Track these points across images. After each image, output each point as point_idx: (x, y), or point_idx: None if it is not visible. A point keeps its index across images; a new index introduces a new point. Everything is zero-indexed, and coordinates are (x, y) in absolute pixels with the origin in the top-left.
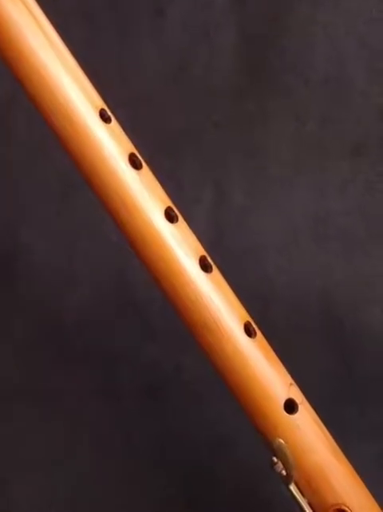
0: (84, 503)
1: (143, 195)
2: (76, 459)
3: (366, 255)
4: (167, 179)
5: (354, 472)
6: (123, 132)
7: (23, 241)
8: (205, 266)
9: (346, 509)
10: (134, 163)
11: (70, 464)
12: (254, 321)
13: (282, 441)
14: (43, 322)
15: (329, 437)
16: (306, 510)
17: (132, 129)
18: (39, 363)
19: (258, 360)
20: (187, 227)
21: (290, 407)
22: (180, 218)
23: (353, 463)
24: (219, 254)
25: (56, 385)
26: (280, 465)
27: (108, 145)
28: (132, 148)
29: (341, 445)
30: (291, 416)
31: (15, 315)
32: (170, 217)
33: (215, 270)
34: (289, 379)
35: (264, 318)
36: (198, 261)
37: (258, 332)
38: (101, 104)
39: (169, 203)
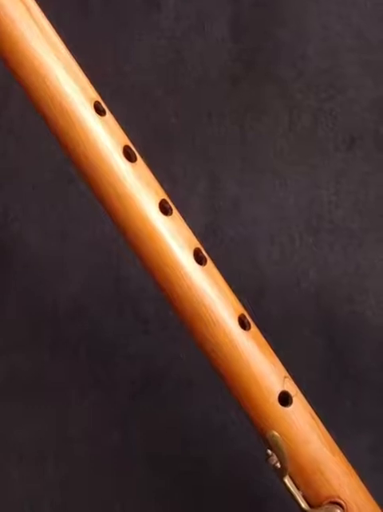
0: (77, 495)
1: (137, 188)
2: (69, 451)
3: (360, 247)
4: (161, 172)
5: (348, 464)
6: (117, 125)
7: (16, 232)
8: (199, 258)
9: (340, 501)
10: (128, 155)
11: (63, 455)
12: (248, 313)
13: (276, 433)
14: (36, 314)
15: (323, 429)
16: (301, 502)
17: (126, 122)
18: (31, 354)
19: (252, 352)
20: (182, 219)
21: (285, 399)
22: (175, 210)
23: (347, 455)
24: (212, 246)
25: (48, 376)
26: (274, 457)
27: (103, 137)
28: (126, 141)
29: (334, 437)
30: (285, 409)
31: (7, 306)
32: (164, 209)
33: (209, 263)
34: (283, 371)
35: (258, 310)
36: (192, 254)
37: (253, 325)
38: (96, 96)
39: (163, 196)
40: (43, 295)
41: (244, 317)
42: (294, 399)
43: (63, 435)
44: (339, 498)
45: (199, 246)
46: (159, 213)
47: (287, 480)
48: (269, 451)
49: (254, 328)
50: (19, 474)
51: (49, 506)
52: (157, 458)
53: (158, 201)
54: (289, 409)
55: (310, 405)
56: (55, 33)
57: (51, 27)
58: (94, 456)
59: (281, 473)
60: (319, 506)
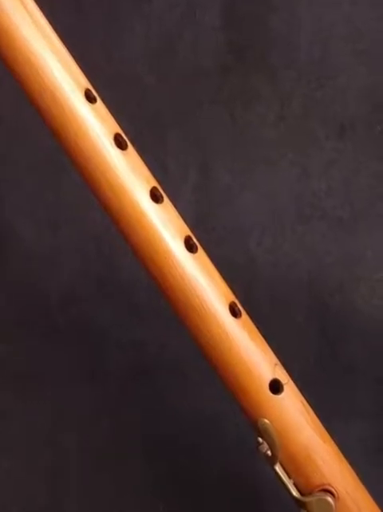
0: (70, 484)
1: (128, 176)
2: (62, 439)
3: (351, 236)
4: (152, 160)
5: (339, 452)
6: (108, 113)
7: (8, 221)
8: (190, 246)
9: (332, 489)
10: (119, 143)
11: (54, 444)
12: (239, 302)
13: (267, 421)
14: (28, 303)
15: (315, 417)
16: (292, 490)
17: (117, 110)
18: (24, 344)
19: (243, 340)
20: (173, 207)
21: (275, 387)
22: (165, 198)
23: (338, 444)
24: (203, 234)
25: (41, 366)
26: (265, 445)
27: (94, 125)
28: (117, 129)
29: (325, 425)
30: (276, 396)
31: (0, 296)
32: (155, 197)
33: (200, 250)
34: (274, 359)
35: (249, 298)
36: (183, 242)
37: (244, 313)
38: (87, 84)
39: (154, 183)
40: (35, 284)
41: (235, 304)
42: (285, 387)
43: (55, 425)
44: (330, 485)
45: (189, 233)
46: (150, 201)
47: (278, 468)
48: (260, 439)
49: (244, 316)
50: (9, 464)
51: (41, 496)
52: (149, 446)
53: (149, 189)
54: (280, 397)
55: (301, 393)
56: (46, 22)
57: (43, 16)
58: (86, 444)
59: (272, 461)
60: (310, 493)
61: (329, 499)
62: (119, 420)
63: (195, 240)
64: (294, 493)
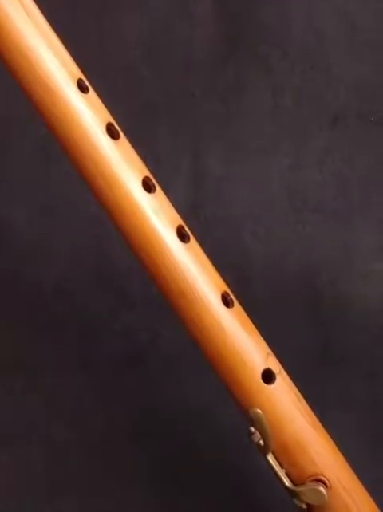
0: (62, 475)
1: (120, 165)
2: (54, 429)
3: (345, 227)
4: (144, 149)
5: (332, 442)
6: (100, 102)
7: (0, 211)
8: (182, 236)
9: (324, 478)
10: (112, 132)
11: (48, 435)
12: (232, 291)
13: (259, 411)
14: (20, 293)
15: (307, 407)
16: (284, 480)
17: (109, 99)
18: (16, 333)
19: (235, 329)
20: (165, 197)
21: (268, 376)
22: (158, 187)
23: (330, 433)
24: (196, 224)
25: (33, 355)
26: (257, 435)
27: (86, 115)
28: (109, 118)
29: (318, 415)
30: (269, 386)
31: None
32: (147, 187)
33: (193, 240)
34: (266, 349)
35: (241, 288)
36: (175, 231)
37: (236, 303)
38: (79, 73)
39: (147, 173)
40: (28, 274)
41: (227, 294)
42: (278, 376)
43: (48, 415)
44: (323, 475)
45: (182, 223)
46: (143, 190)
47: (270, 457)
48: (252, 429)
49: (237, 305)
50: (2, 454)
51: (36, 488)
52: (142, 436)
53: (141, 178)
54: (272, 386)
55: (294, 383)
56: (39, 12)
57: (35, 6)
58: (77, 434)
59: (264, 450)
60: (303, 483)
61: (322, 489)
62: (112, 409)
63: (187, 230)
64: (287, 482)
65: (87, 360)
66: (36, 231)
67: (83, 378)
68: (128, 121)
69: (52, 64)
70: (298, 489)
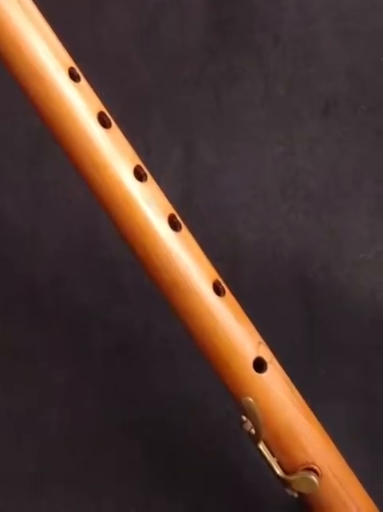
0: (55, 464)
1: (112, 154)
2: (46, 418)
3: (336, 215)
4: (136, 138)
5: (324, 431)
6: (92, 91)
7: None
8: (174, 225)
9: (316, 467)
10: (103, 121)
11: (40, 422)
12: (223, 280)
13: (250, 399)
14: (13, 282)
15: (299, 396)
16: (276, 468)
17: (101, 88)
18: (9, 322)
19: (226, 318)
20: (157, 186)
21: (259, 365)
22: (149, 176)
23: (322, 423)
24: (187, 213)
25: (26, 344)
26: (249, 423)
27: (78, 104)
28: (101, 107)
29: (310, 404)
30: (260, 375)
31: None
32: (139, 175)
33: (184, 229)
34: (258, 337)
35: (233, 277)
36: (167, 220)
37: (227, 291)
38: (71, 62)
39: (138, 162)
40: (19, 264)
41: (219, 283)
42: (269, 365)
43: (40, 404)
44: (314, 464)
45: (173, 212)
46: (134, 179)
47: (262, 446)
48: (243, 417)
49: (228, 294)
50: None
51: (27, 478)
52: (134, 426)
53: (133, 167)
54: (264, 375)
55: (286, 372)
56: (31, 1)
57: None
58: (70, 423)
59: (255, 439)
60: (294, 472)
61: (313, 478)
62: (104, 400)
63: (179, 219)
64: (278, 471)
65: (79, 350)
66: (28, 221)
67: (75, 368)
68: (120, 110)
69: (43, 52)
70: (290, 478)
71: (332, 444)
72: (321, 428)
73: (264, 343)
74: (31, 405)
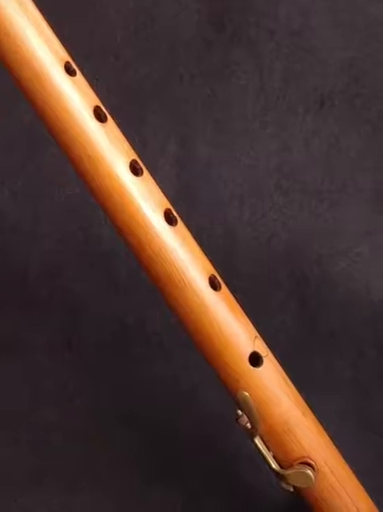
0: (48, 457)
1: (108, 148)
2: (40, 411)
3: (330, 209)
4: (131, 132)
5: (319, 425)
6: (88, 85)
7: None
8: (170, 219)
9: (311, 461)
10: (99, 115)
11: (34, 416)
12: (218, 274)
13: (246, 394)
14: (6, 274)
15: (294, 390)
16: (271, 463)
17: (96, 82)
18: (2, 315)
19: (222, 313)
20: (152, 180)
21: (255, 359)
22: (145, 171)
23: (318, 417)
24: (183, 207)
25: (19, 337)
26: (245, 418)
27: (73, 98)
28: (96, 101)
29: (305, 398)
30: (256, 369)
31: None
32: (135, 170)
33: (180, 223)
34: (254, 332)
35: (228, 271)
36: (163, 214)
37: (223, 286)
38: (66, 56)
39: (134, 156)
40: (14, 256)
41: (215, 277)
42: (265, 359)
43: (33, 396)
44: (310, 458)
45: (169, 206)
46: (130, 174)
47: (258, 441)
48: (239, 412)
49: (224, 288)
50: None
51: (21, 470)
52: (129, 419)
53: (128, 161)
54: (259, 370)
55: (281, 366)
56: None
57: None
58: (63, 416)
59: (251, 433)
60: (290, 466)
61: (309, 472)
62: (98, 392)
63: (174, 213)
64: (274, 465)
65: (72, 342)
66: (23, 214)
67: (69, 360)
68: (115, 104)
69: (39, 47)
70: (286, 472)
71: (327, 438)
72: (317, 422)
73: (260, 337)
74: (24, 397)
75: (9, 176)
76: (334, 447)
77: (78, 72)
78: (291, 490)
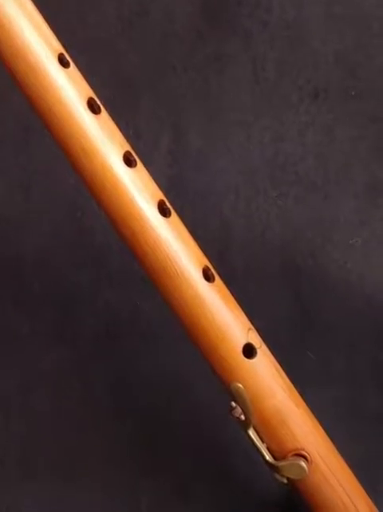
0: (40, 448)
1: (101, 140)
2: (33, 402)
3: (324, 200)
4: (125, 124)
5: (313, 417)
6: (81, 77)
7: None
8: (163, 211)
9: (305, 453)
10: (92, 107)
11: (26, 408)
12: (212, 266)
13: (240, 385)
14: (0, 267)
15: (288, 382)
16: (265, 454)
17: (90, 74)
18: None
19: (216, 304)
20: (146, 172)
21: (249, 351)
22: (139, 162)
23: (311, 408)
24: (177, 199)
25: (12, 328)
26: (238, 410)
27: (67, 89)
28: (90, 93)
29: (299, 389)
30: (250, 361)
31: None
32: (128, 161)
33: (174, 215)
34: (247, 323)
35: (222, 263)
36: (156, 206)
37: (217, 277)
38: (60, 48)
39: (128, 148)
40: (7, 248)
41: (208, 269)
42: (259, 351)
43: (26, 388)
44: (303, 449)
45: (163, 198)
46: (124, 165)
47: (251, 432)
48: (233, 403)
49: (218, 280)
50: None
51: (13, 461)
52: (121, 410)
53: (122, 153)
54: (253, 361)
55: (275, 358)
56: None
57: None
58: (56, 408)
59: (245, 425)
60: (283, 457)
61: (303, 463)
62: (91, 384)
63: (168, 204)
64: (268, 457)
65: (65, 334)
66: (16, 205)
67: (63, 352)
68: (109, 96)
69: (32, 38)
70: (279, 463)
71: (321, 430)
72: (311, 414)
73: (253, 329)
74: (17, 390)
75: (1, 167)
76: (328, 439)
77: (72, 63)
78: (285, 481)
